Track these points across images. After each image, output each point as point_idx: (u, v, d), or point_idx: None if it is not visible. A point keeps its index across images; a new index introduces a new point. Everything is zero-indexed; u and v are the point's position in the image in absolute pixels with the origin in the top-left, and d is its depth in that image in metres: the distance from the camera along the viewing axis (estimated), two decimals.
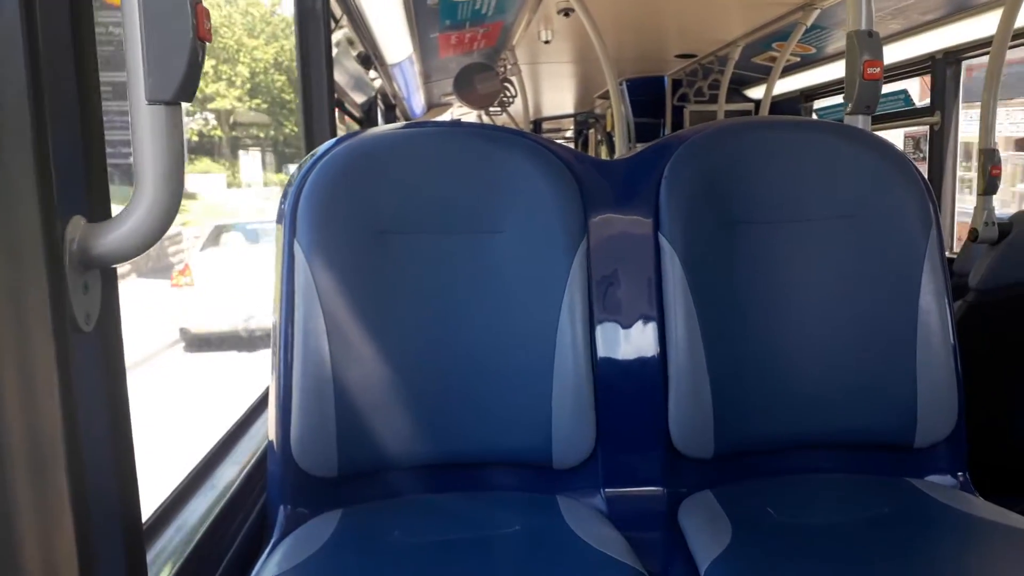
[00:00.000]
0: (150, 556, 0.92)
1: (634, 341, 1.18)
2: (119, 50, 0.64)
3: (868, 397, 1.18)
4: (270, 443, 1.10)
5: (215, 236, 9.52)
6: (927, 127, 3.15)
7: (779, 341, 1.19)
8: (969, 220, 2.12)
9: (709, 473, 1.17)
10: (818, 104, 4.54)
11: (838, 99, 4.30)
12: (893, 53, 3.17)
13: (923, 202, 1.19)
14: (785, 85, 4.34)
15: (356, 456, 1.09)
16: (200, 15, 0.64)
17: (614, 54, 3.46)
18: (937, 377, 1.17)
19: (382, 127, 1.25)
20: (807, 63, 4.05)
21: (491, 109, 4.77)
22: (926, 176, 1.32)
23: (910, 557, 0.95)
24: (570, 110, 7.28)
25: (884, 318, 1.18)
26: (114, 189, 0.71)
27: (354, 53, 3.09)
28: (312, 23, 1.91)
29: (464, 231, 1.15)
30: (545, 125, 7.75)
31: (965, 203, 3.28)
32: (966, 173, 4.81)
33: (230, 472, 1.21)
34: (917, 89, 3.39)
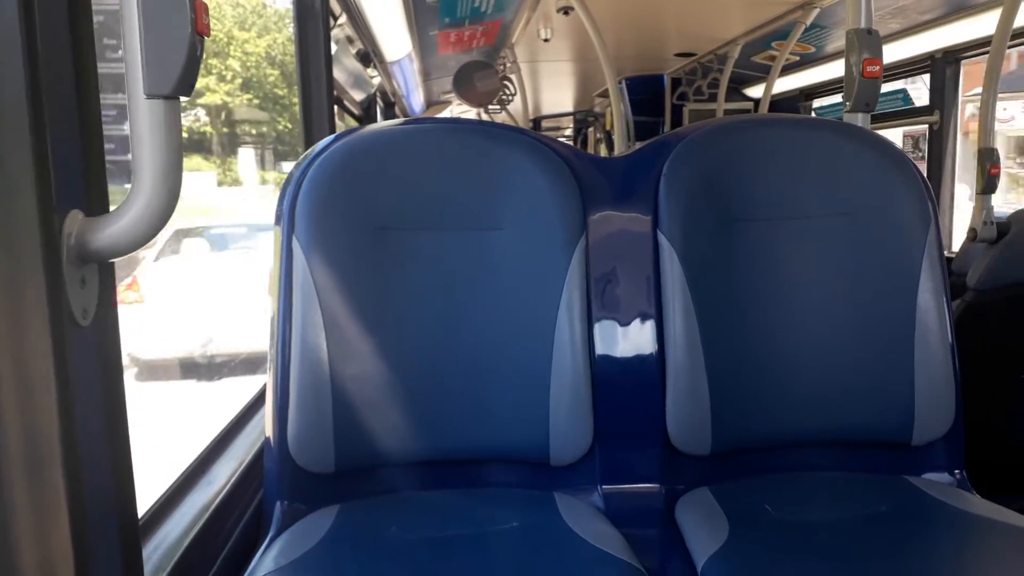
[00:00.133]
0: (146, 552, 0.91)
1: (632, 338, 1.18)
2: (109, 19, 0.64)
3: (866, 395, 1.18)
4: (267, 439, 1.10)
5: (175, 243, 7.93)
6: (926, 126, 3.15)
7: (777, 338, 1.19)
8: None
9: (706, 470, 1.17)
10: (817, 103, 4.55)
11: (837, 98, 4.31)
12: (892, 52, 3.18)
13: (922, 201, 1.20)
14: (784, 84, 4.34)
15: (353, 452, 1.09)
16: (198, 9, 0.64)
17: (613, 52, 3.46)
18: (935, 375, 1.17)
19: (381, 123, 1.25)
20: (806, 62, 4.05)
21: (490, 107, 4.77)
22: (925, 175, 1.33)
23: (907, 554, 0.95)
24: (569, 108, 7.28)
25: (882, 316, 1.18)
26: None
27: (353, 51, 3.08)
28: (311, 21, 1.90)
29: (463, 228, 1.15)
30: (544, 123, 7.74)
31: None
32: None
33: (227, 468, 1.21)
34: (925, 93, 3.38)
